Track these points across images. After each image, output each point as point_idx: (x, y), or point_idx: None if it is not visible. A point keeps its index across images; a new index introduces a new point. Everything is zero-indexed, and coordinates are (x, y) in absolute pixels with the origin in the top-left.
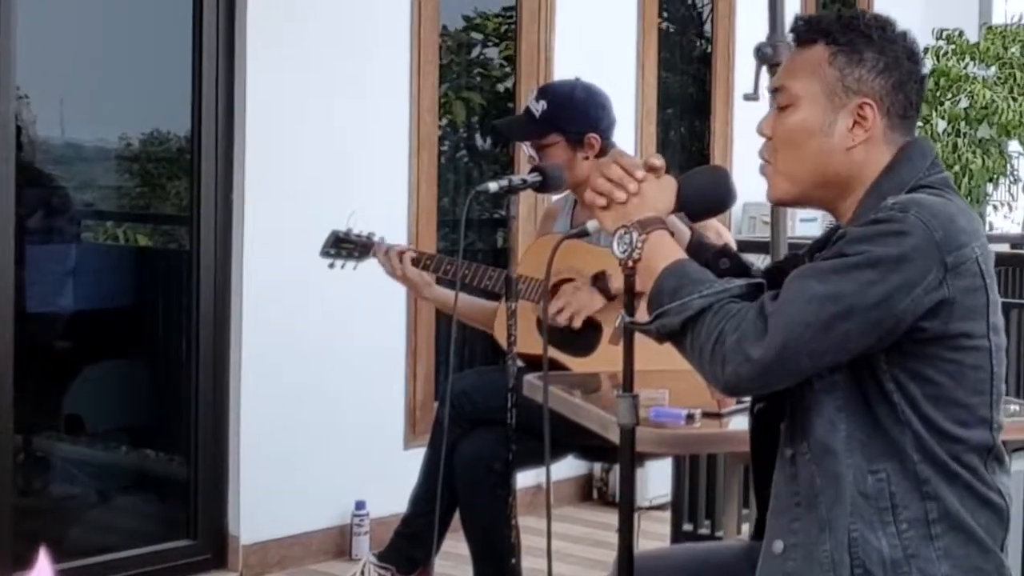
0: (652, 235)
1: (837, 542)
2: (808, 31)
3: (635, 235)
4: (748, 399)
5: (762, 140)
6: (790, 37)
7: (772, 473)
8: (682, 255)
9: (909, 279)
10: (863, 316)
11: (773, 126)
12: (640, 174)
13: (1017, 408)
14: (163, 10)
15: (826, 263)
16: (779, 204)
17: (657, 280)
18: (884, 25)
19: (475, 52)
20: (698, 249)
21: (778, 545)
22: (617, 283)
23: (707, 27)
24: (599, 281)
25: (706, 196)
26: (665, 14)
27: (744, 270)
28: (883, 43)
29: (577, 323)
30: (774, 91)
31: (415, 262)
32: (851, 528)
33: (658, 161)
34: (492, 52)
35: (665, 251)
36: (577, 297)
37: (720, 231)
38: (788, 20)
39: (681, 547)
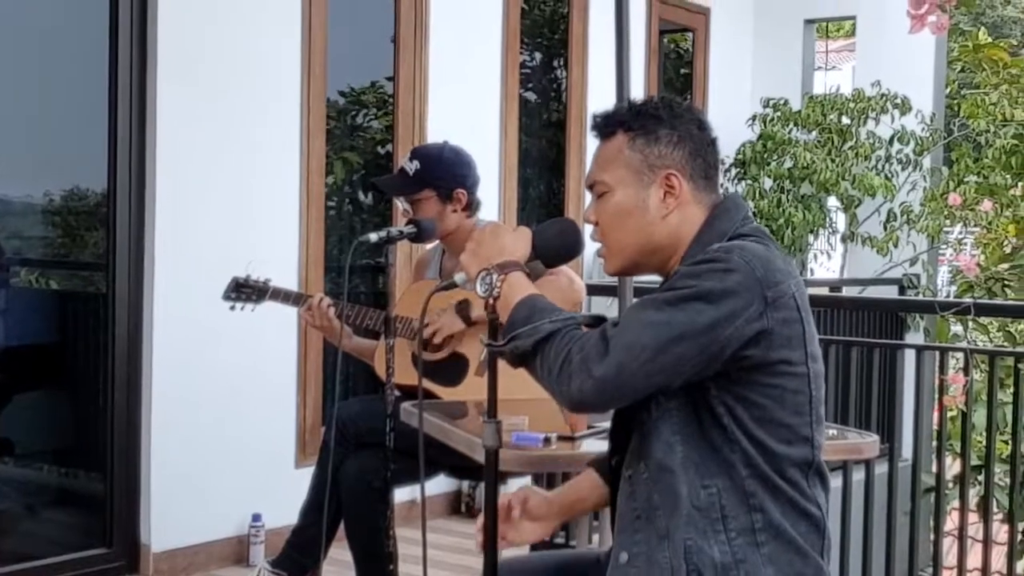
0: (509, 276)
1: (674, 550)
2: (606, 125)
3: (495, 276)
4: (598, 425)
5: None
6: (593, 134)
7: None
8: (535, 291)
9: (734, 310)
10: (692, 341)
11: (596, 213)
12: None
13: (834, 432)
14: (81, 82)
15: (661, 295)
16: (615, 275)
17: (512, 311)
18: (671, 104)
19: (358, 119)
20: None
21: (623, 556)
22: (477, 311)
23: (563, 97)
24: (462, 308)
25: (558, 245)
26: (529, 84)
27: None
28: (673, 119)
29: (438, 339)
30: (590, 186)
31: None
32: (686, 538)
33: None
34: (372, 119)
35: (521, 288)
36: (442, 319)
37: (571, 276)
38: (634, 89)
39: (539, 554)
